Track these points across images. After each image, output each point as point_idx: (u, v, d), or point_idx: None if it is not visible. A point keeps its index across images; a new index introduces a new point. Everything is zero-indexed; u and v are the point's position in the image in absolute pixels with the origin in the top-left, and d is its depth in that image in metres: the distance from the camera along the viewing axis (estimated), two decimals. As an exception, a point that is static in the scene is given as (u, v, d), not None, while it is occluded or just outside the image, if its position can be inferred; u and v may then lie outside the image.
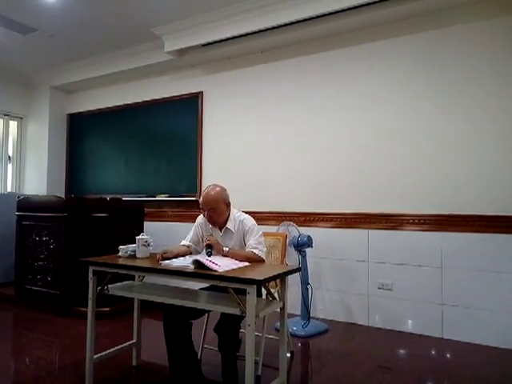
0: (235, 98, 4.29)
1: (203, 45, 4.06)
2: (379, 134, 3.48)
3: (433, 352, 2.89)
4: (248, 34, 3.78)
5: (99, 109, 5.36)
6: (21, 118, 5.71)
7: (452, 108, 3.21)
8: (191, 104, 4.56)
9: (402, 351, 2.95)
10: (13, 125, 5.67)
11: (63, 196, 5.23)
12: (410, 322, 3.27)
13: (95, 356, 2.27)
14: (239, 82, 4.27)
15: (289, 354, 2.70)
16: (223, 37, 3.85)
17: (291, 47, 3.93)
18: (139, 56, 4.59)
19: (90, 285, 2.23)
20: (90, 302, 2.24)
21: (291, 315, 3.28)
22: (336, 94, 3.70)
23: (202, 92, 4.50)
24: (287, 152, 3.93)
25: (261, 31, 3.72)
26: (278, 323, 2.67)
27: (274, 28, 3.65)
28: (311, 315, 3.33)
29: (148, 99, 4.89)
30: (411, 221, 3.30)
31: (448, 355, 2.86)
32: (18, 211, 4.24)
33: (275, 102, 4.02)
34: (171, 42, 4.15)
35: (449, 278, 3.13)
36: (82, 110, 5.56)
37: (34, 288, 4.02)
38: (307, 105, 3.85)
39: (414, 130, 3.34)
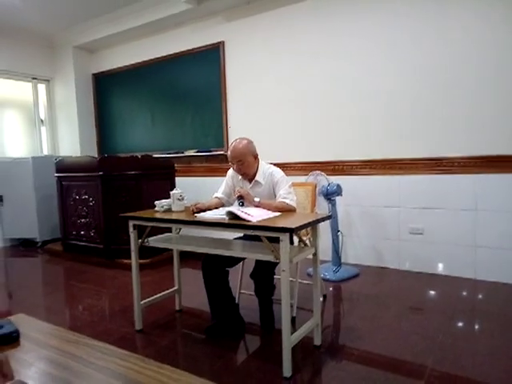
0: (257, 44, 4.14)
1: (222, -10, 3.88)
2: (407, 79, 3.31)
3: (465, 293, 2.93)
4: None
5: (121, 67, 5.34)
6: (48, 81, 5.79)
7: (468, 48, 2.99)
8: (213, 55, 4.45)
9: (433, 293, 3.01)
10: (41, 88, 5.77)
11: (96, 156, 5.40)
12: (441, 264, 3.30)
13: (142, 302, 2.47)
14: (260, 27, 4.09)
15: (321, 298, 2.82)
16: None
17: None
18: (157, 7, 4.45)
19: (132, 238, 2.37)
20: (132, 254, 2.40)
21: (323, 262, 3.38)
22: (363, 38, 3.50)
23: (223, 41, 4.37)
24: (314, 100, 3.83)
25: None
26: (310, 269, 2.77)
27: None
28: (342, 261, 3.42)
29: (169, 53, 4.80)
30: (443, 164, 3.22)
31: (480, 295, 2.90)
32: (57, 172, 4.45)
33: (299, 48, 3.86)
34: (189, -11, 3.99)
35: (482, 219, 3.09)
36: (105, 70, 5.55)
37: (79, 243, 4.31)
38: (332, 50, 3.67)
39: (437, 71, 3.15)
